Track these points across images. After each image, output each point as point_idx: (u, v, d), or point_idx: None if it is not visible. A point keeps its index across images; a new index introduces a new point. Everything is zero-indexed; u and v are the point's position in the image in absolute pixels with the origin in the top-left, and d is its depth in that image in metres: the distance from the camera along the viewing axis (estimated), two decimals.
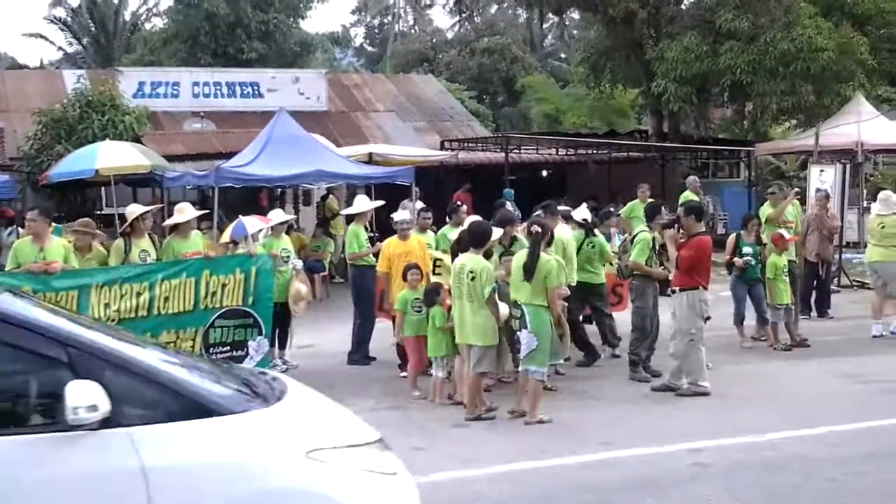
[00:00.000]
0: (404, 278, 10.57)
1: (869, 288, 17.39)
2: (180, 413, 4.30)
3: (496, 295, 9.09)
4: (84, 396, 4.04)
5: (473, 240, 9.39)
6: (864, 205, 24.43)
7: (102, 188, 20.63)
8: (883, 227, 13.47)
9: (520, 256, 9.17)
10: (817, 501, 6.84)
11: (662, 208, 11.52)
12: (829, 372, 10.94)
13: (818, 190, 16.82)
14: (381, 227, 15.51)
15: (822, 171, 22.46)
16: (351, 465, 4.54)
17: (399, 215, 11.86)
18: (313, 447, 4.47)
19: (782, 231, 13.08)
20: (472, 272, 9.06)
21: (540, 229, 9.29)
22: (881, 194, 14.33)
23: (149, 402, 4.32)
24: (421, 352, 10.34)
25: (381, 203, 13.86)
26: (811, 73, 24.40)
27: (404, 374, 10.93)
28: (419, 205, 16.17)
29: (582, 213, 12.48)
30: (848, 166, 24.14)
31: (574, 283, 11.07)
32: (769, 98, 24.98)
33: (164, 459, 4.18)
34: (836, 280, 17.02)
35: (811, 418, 8.94)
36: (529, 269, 8.94)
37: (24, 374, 4.28)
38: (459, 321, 9.28)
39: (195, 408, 4.35)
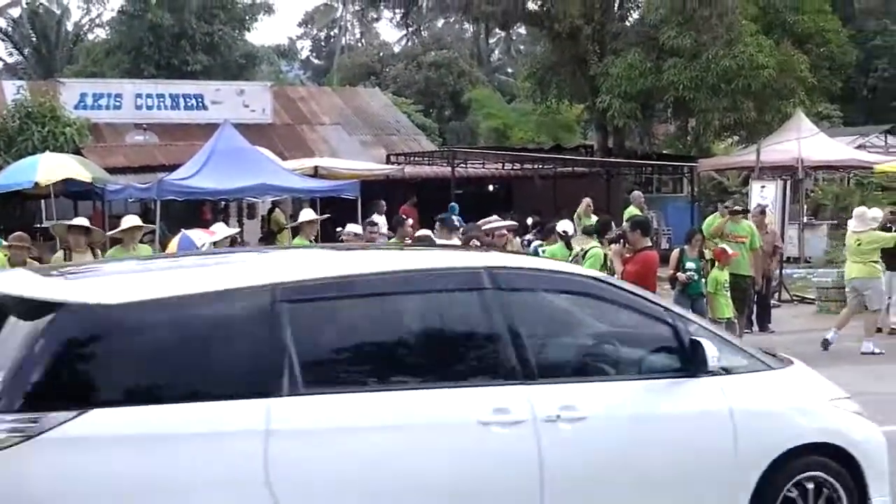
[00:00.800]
0: None
1: (809, 302, 17.75)
2: (745, 368, 5.54)
3: None
4: (712, 350, 5.15)
5: None
6: (804, 220, 24.87)
7: (42, 201, 20.30)
8: (859, 244, 13.59)
9: None
10: None
11: (612, 223, 11.63)
12: None
13: (756, 205, 17.09)
14: (328, 241, 15.46)
15: (763, 186, 22.86)
16: (849, 409, 5.91)
17: (349, 228, 11.80)
18: (831, 396, 5.90)
19: (724, 246, 13.22)
20: None
21: (468, 242, 9.31)
22: (856, 211, 14.46)
23: (727, 358, 5.38)
24: None
25: (326, 216, 13.80)
26: (752, 91, 24.84)
27: None
28: (383, 219, 16.22)
29: (563, 225, 12.52)
30: (788, 182, 24.56)
31: None
32: (712, 114, 25.37)
33: (742, 403, 5.35)
34: (776, 295, 17.25)
35: None
36: None
37: (654, 331, 5.42)
38: None
39: (754, 364, 5.60)
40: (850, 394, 10.53)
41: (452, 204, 20.55)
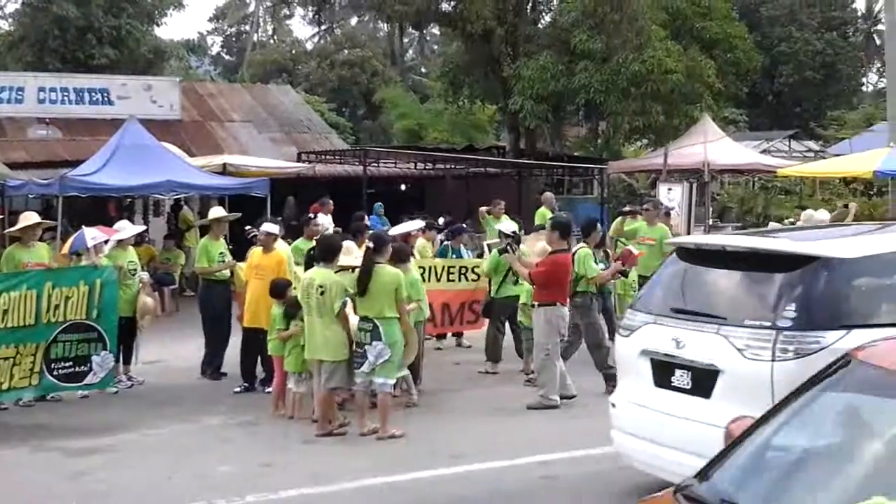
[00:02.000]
0: (275, 295, 10.24)
1: None
2: None
3: (346, 309, 8.96)
4: None
5: (323, 254, 9.27)
6: (710, 222, 25.35)
7: None
8: None
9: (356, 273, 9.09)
10: None
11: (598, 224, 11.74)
12: None
13: (664, 207, 17.28)
14: (236, 240, 15.16)
15: (670, 189, 23.20)
16: None
17: (264, 227, 11.56)
18: None
19: (631, 247, 13.34)
20: (321, 286, 8.91)
21: (373, 244, 9.24)
22: (804, 214, 14.77)
23: None
24: (284, 372, 10.11)
25: (237, 215, 13.52)
26: (661, 95, 25.21)
27: (269, 389, 10.63)
28: (329, 219, 16.02)
29: (509, 226, 12.49)
30: (695, 185, 24.99)
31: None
32: (621, 117, 25.69)
33: None
34: None
35: None
36: (362, 284, 8.86)
37: None
38: (309, 336, 9.12)
39: None
40: None
41: (378, 203, 20.46)
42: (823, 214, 14.36)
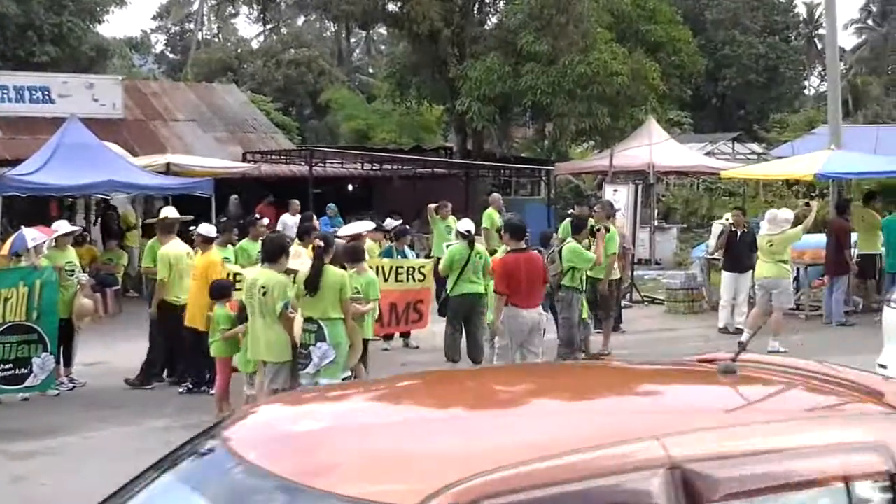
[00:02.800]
0: (216, 296, 10.13)
1: (659, 302, 18.25)
2: None
3: (289, 310, 8.87)
4: None
5: (268, 254, 9.18)
6: (655, 223, 25.59)
7: None
8: (771, 245, 14.02)
9: (304, 272, 9.02)
10: None
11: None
12: None
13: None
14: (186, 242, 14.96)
15: (615, 190, 23.36)
16: None
17: (201, 229, 11.43)
18: None
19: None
20: (263, 287, 8.82)
21: (322, 243, 9.17)
22: (768, 213, 14.89)
23: None
24: (228, 373, 10.00)
25: (190, 217, 13.37)
26: (607, 97, 25.41)
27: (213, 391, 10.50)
28: (295, 219, 15.88)
29: (465, 224, 12.47)
30: (640, 186, 25.20)
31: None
32: (568, 119, 25.84)
33: None
34: (628, 296, 17.67)
35: None
36: (312, 284, 8.80)
37: None
38: (252, 337, 9.03)
39: None
40: None
41: (331, 204, 20.34)
42: (787, 213, 14.55)
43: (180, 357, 11.38)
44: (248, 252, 12.21)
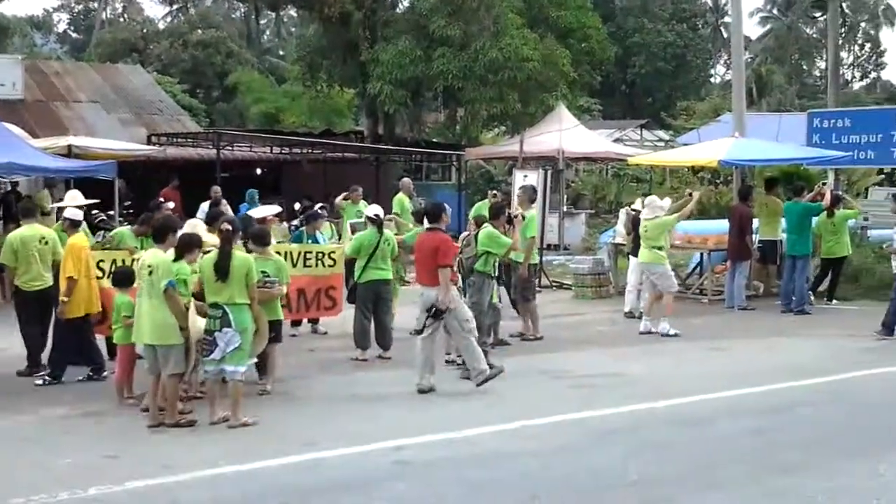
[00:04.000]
0: (118, 283, 9.87)
1: (567, 287, 18.42)
2: None
3: (174, 290, 8.68)
4: None
5: (156, 235, 9.04)
6: (564, 209, 25.81)
7: None
8: (646, 231, 14.20)
9: (211, 256, 8.86)
10: (510, 493, 7.02)
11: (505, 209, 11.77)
12: (528, 369, 11.35)
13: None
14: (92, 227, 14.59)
15: (525, 176, 23.42)
16: None
17: (67, 212, 11.09)
18: None
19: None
20: (150, 266, 8.67)
21: (231, 227, 9.02)
22: (647, 199, 15.07)
23: None
24: (130, 361, 9.77)
25: (95, 201, 13.00)
26: (518, 82, 25.48)
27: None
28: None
29: (374, 210, 12.32)
30: (550, 172, 25.35)
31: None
32: (479, 104, 25.86)
33: None
34: (536, 280, 17.76)
35: (509, 414, 9.22)
36: (223, 269, 8.66)
37: None
38: (138, 319, 8.86)
39: None
40: (594, 373, 11.07)
41: (251, 190, 20.00)
42: (665, 202, 14.76)
43: (54, 346, 10.98)
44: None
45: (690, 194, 15.50)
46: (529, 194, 14.10)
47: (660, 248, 14.08)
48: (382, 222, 12.10)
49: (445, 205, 11.12)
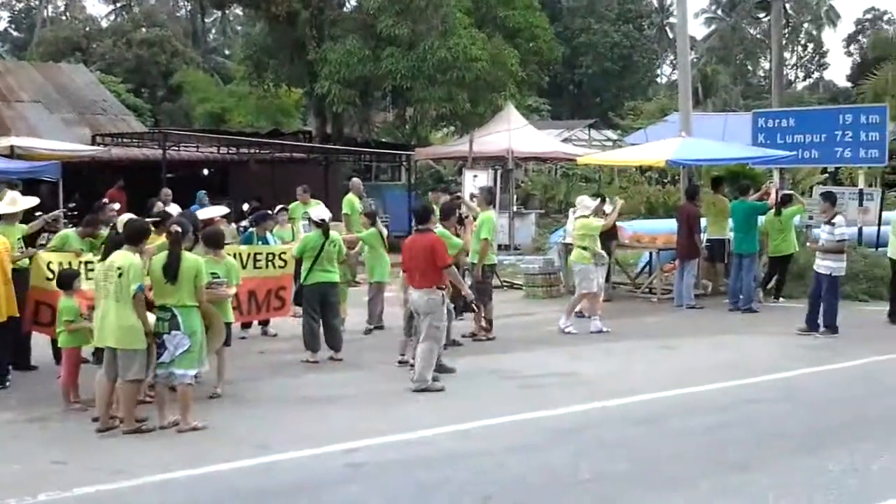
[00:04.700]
0: (61, 285, 9.69)
1: (518, 287, 18.50)
2: None
3: (143, 294, 8.55)
4: None
5: (129, 237, 8.84)
6: (514, 209, 25.88)
7: None
8: (574, 230, 14.30)
9: (159, 258, 8.73)
10: (463, 493, 7.00)
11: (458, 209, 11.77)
12: (480, 369, 11.35)
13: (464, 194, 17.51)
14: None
15: (475, 176, 23.54)
16: None
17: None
18: None
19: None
20: (120, 269, 8.49)
21: (180, 229, 8.90)
22: (577, 200, 15.19)
23: None
24: (75, 365, 9.59)
25: (35, 201, 12.70)
26: (466, 82, 25.46)
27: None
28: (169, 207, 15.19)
29: (319, 212, 12.20)
30: (500, 172, 25.43)
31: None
32: (428, 104, 25.79)
33: None
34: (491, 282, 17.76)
35: (461, 414, 9.21)
36: (172, 271, 8.53)
37: None
38: (103, 322, 8.67)
39: None
40: (545, 373, 11.09)
41: (201, 191, 19.73)
42: (589, 202, 14.89)
43: None
44: (98, 236, 11.76)
45: (604, 200, 15.53)
46: (486, 195, 14.11)
47: (584, 248, 14.19)
48: (328, 225, 12.01)
49: (433, 205, 11.51)
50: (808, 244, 14.42)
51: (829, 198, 14.62)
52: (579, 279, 14.19)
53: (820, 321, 13.85)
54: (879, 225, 18.38)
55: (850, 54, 72.48)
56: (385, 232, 14.22)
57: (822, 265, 13.88)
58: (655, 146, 19.50)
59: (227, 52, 54.01)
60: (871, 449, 8.10)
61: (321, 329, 11.84)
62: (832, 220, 13.91)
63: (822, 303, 13.83)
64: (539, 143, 27.27)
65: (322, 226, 11.89)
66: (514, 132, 25.15)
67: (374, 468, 7.60)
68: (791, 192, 17.89)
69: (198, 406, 8.97)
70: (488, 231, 13.17)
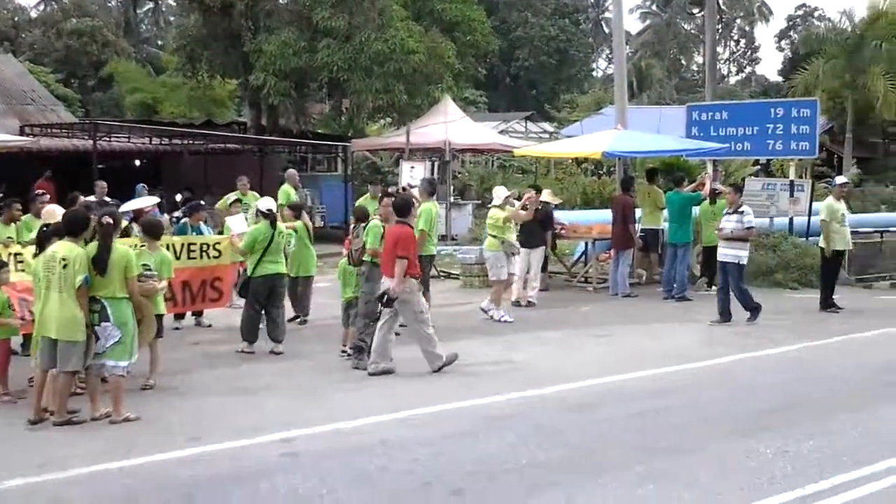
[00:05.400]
0: None
1: (455, 277, 18.53)
2: None
3: (87, 286, 8.40)
4: None
5: (69, 227, 8.67)
6: (451, 200, 25.90)
7: None
8: (487, 219, 14.47)
9: (89, 249, 8.57)
10: (401, 481, 6.99)
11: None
12: (417, 358, 11.31)
13: (408, 186, 17.47)
14: None
15: (412, 167, 23.50)
16: None
17: None
18: None
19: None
20: (64, 259, 8.32)
21: (112, 220, 8.75)
22: (494, 190, 15.34)
23: None
24: (4, 356, 9.39)
25: None
26: (403, 74, 25.42)
27: None
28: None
29: (266, 203, 12.02)
30: (437, 163, 25.44)
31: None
32: (365, 96, 25.70)
33: None
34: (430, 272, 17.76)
35: (398, 403, 9.19)
36: (102, 263, 8.39)
37: None
38: (44, 313, 8.48)
39: None
40: (482, 361, 11.12)
41: (140, 185, 19.32)
42: (500, 191, 15.07)
43: None
44: (30, 227, 11.58)
45: (519, 197, 15.67)
46: (427, 187, 14.09)
47: (493, 237, 14.36)
48: (275, 217, 11.90)
49: (413, 199, 11.54)
50: (715, 232, 14.67)
51: (737, 188, 14.96)
52: (489, 266, 14.35)
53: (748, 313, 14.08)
54: (810, 215, 18.72)
55: (781, 49, 73.69)
56: (311, 224, 14.06)
57: (729, 253, 14.10)
58: (591, 138, 19.65)
59: (159, 42, 53.20)
60: (802, 432, 8.25)
61: (262, 322, 11.74)
62: (740, 209, 14.16)
63: (732, 293, 14.07)
64: (476, 134, 27.32)
65: (269, 216, 11.77)
66: (451, 124, 25.15)
67: (312, 457, 7.55)
68: (717, 186, 18.13)
69: (130, 398, 8.85)
70: (426, 222, 13.12)
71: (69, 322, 8.36)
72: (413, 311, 10.63)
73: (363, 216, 11.90)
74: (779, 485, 6.91)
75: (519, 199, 15.35)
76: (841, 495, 6.74)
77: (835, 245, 15.32)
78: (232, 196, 15.20)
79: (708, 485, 6.90)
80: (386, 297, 10.46)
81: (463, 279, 17.98)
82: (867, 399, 9.68)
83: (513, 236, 14.63)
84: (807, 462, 7.44)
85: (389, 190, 14.53)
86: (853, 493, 6.79)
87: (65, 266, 8.32)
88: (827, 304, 15.28)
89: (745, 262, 14.18)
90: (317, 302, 14.22)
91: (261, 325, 11.84)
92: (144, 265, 9.44)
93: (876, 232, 21.08)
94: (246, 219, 13.24)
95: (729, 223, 14.18)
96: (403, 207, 11.00)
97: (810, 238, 17.80)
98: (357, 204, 15.20)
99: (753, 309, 14.10)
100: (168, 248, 11.53)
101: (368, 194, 15.98)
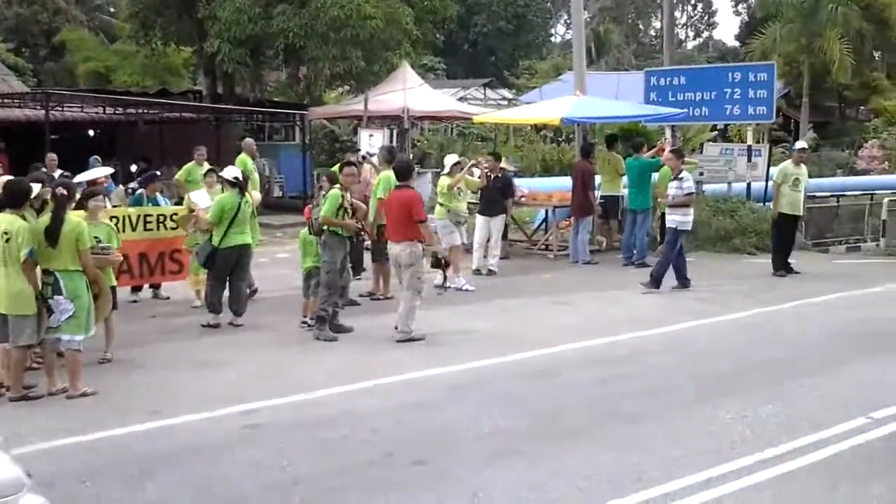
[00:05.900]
0: None
1: None
2: None
3: (33, 259, 8.25)
4: None
5: (10, 199, 8.48)
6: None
7: None
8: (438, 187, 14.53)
9: (42, 221, 8.42)
10: (364, 451, 6.96)
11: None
12: (378, 327, 11.30)
13: (367, 154, 17.35)
14: None
15: (371, 135, 23.33)
16: None
17: None
18: None
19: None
20: (6, 233, 8.16)
21: (66, 192, 8.60)
22: (445, 158, 15.34)
23: None
24: None
25: None
26: (361, 40, 25.14)
27: None
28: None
29: (232, 171, 11.80)
30: (395, 131, 25.29)
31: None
32: (322, 63, 25.43)
33: None
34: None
35: (360, 373, 9.17)
36: (53, 235, 8.25)
37: None
38: None
39: None
40: (443, 331, 11.11)
41: (94, 157, 18.95)
42: (450, 159, 15.14)
43: None
44: None
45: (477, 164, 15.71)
46: (385, 155, 13.98)
47: (441, 205, 14.50)
48: (244, 185, 11.72)
49: (412, 163, 11.91)
50: (658, 199, 14.64)
51: (678, 153, 14.83)
52: (440, 234, 14.28)
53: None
54: (767, 180, 18.86)
55: (738, 14, 73.96)
56: (259, 197, 13.83)
57: (670, 219, 14.09)
58: (550, 105, 19.63)
59: (112, 10, 52.24)
60: (760, 396, 8.34)
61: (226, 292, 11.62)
62: (679, 175, 14.11)
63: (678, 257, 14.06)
64: (435, 102, 27.16)
65: (237, 184, 11.55)
66: (409, 91, 24.96)
67: (273, 429, 7.51)
68: (679, 147, 18.17)
69: (88, 372, 8.74)
70: (384, 190, 13.00)
71: (17, 296, 8.22)
72: (415, 278, 10.75)
73: (335, 180, 11.72)
74: (738, 449, 6.98)
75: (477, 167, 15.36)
76: (799, 459, 6.83)
77: (781, 208, 15.43)
78: (206, 166, 14.84)
79: (668, 451, 6.95)
80: (440, 258, 11.13)
81: (423, 248, 17.90)
82: (825, 363, 9.80)
83: (461, 205, 14.59)
84: (765, 426, 7.53)
85: (352, 159, 14.43)
86: (812, 457, 6.88)
87: (7, 240, 8.15)
88: (780, 266, 15.38)
89: (683, 228, 13.97)
90: (276, 273, 14.15)
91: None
92: (95, 237, 9.27)
93: (832, 196, 21.32)
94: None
95: (671, 189, 14.17)
96: (406, 171, 11.10)
97: (767, 203, 17.94)
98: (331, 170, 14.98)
99: (655, 279, 13.86)
100: (124, 219, 11.38)
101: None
